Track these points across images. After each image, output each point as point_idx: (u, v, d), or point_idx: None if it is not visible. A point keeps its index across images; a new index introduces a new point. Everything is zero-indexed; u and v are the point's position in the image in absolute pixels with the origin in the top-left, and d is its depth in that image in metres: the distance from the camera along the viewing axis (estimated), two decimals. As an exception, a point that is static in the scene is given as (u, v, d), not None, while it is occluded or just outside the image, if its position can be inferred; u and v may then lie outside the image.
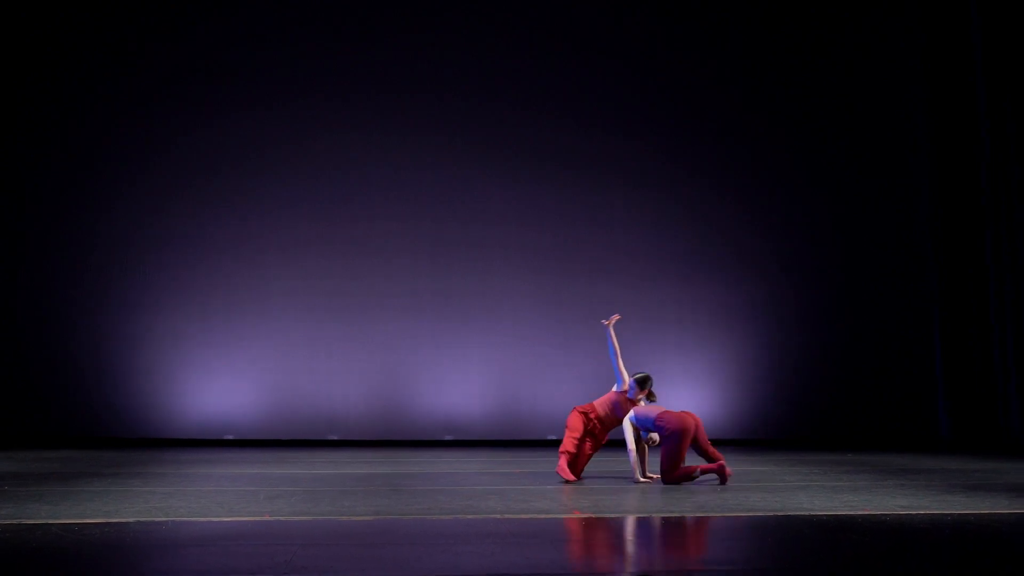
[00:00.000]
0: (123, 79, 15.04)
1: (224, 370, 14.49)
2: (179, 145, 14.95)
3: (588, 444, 7.76)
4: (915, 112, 15.81)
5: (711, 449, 7.46)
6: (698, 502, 5.93)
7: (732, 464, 8.65)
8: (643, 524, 5.04)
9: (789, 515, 5.24)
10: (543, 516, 5.19)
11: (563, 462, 7.58)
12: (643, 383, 7.80)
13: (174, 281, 14.65)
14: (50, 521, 4.86)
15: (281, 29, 15.30)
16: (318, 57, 15.24)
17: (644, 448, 7.75)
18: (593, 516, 5.22)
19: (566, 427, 7.75)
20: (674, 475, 7.30)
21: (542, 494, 6.38)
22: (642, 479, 7.56)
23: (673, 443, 7.29)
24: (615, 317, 8.23)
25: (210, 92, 15.05)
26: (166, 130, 14.95)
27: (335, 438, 14.43)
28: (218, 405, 14.38)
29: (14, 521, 4.85)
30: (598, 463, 9.53)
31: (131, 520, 4.92)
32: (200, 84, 15.07)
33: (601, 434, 7.84)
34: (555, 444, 14.05)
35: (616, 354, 8.03)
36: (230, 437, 14.28)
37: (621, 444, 7.87)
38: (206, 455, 11.23)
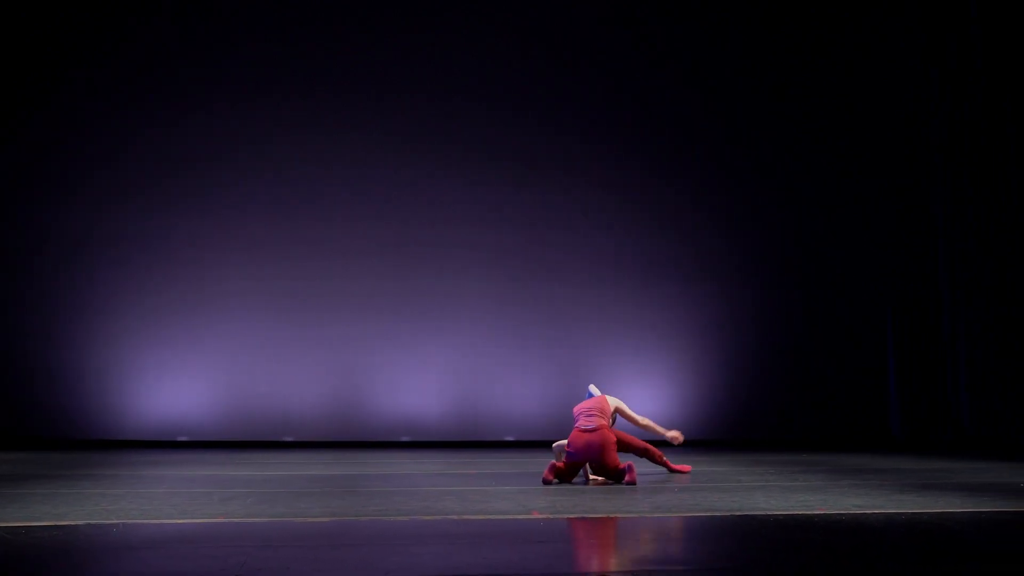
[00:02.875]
0: (78, 75, 14.78)
1: (178, 370, 14.29)
2: (134, 143, 14.73)
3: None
4: (875, 120, 16.01)
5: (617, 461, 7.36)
6: (656, 502, 5.94)
7: (689, 464, 8.70)
8: (600, 524, 5.04)
9: (746, 515, 5.26)
10: (501, 517, 5.17)
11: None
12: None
13: (127, 280, 14.42)
14: (-4, 524, 4.74)
15: (241, 28, 15.13)
16: (277, 56, 15.09)
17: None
18: (551, 517, 5.20)
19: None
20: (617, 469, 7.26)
21: (500, 495, 6.36)
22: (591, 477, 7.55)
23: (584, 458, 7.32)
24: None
25: (166, 90, 14.85)
26: (120, 127, 14.72)
27: (291, 439, 14.30)
28: (172, 406, 14.18)
29: (-42, 524, 4.73)
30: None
31: (80, 523, 4.81)
32: (156, 81, 14.86)
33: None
34: (513, 445, 14.06)
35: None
36: (184, 438, 14.08)
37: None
38: (159, 456, 11.06)
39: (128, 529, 4.66)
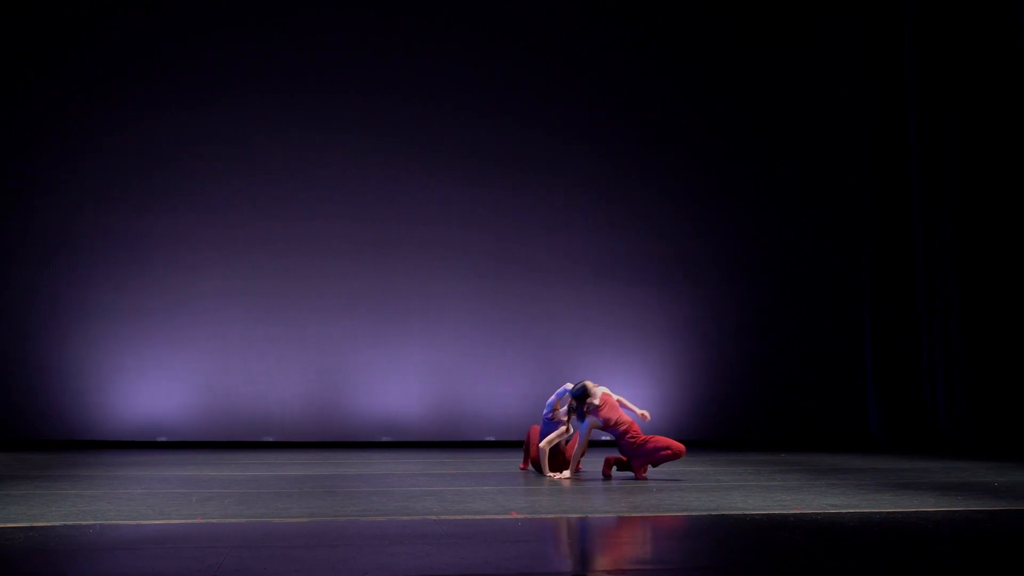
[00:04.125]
0: (53, 75, 14.68)
1: (157, 371, 14.22)
2: (112, 142, 14.64)
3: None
4: (853, 125, 16.12)
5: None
6: (633, 502, 5.97)
7: (667, 464, 8.74)
8: (578, 524, 5.06)
9: (723, 514, 5.30)
10: (479, 517, 5.18)
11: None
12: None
13: (106, 280, 14.34)
14: (-29, 525, 4.71)
15: (216, 26, 15.07)
16: (255, 55, 15.04)
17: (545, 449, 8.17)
18: (529, 517, 5.22)
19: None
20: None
21: (479, 495, 6.37)
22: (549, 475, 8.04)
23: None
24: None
25: (146, 89, 14.77)
26: (98, 126, 14.63)
27: (271, 440, 14.25)
28: (151, 407, 14.11)
29: (-68, 526, 4.70)
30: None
31: (57, 524, 4.79)
32: (134, 80, 14.78)
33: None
34: (494, 446, 14.07)
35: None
36: (163, 439, 14.02)
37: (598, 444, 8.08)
38: (138, 457, 11.01)
39: (104, 530, 4.64)
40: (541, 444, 8.13)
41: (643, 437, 7.87)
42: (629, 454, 7.90)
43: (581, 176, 15.56)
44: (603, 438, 14.52)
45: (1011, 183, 13.22)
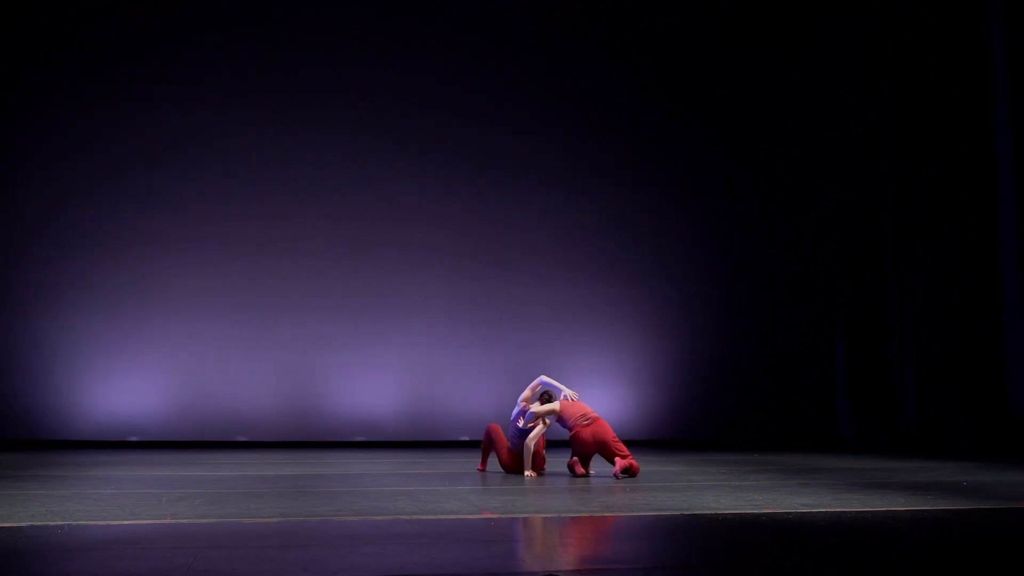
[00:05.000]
0: (24, 74, 14.51)
1: (129, 370, 14.10)
2: (83, 141, 14.51)
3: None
4: (831, 130, 16.25)
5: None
6: (606, 502, 5.98)
7: (640, 463, 8.76)
8: (551, 524, 5.06)
9: (696, 514, 5.32)
10: (452, 517, 5.18)
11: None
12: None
13: (79, 280, 14.21)
14: (-64, 526, 4.65)
15: (189, 25, 14.96)
16: (228, 54, 14.95)
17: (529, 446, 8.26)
18: (502, 516, 5.22)
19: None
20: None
21: (453, 495, 6.37)
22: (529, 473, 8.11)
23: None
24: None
25: (116, 88, 14.64)
26: (69, 126, 14.49)
27: (244, 440, 14.17)
28: (122, 406, 13.99)
29: None
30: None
31: (24, 524, 4.74)
32: (106, 79, 14.64)
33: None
34: (468, 445, 14.05)
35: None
36: (134, 439, 13.90)
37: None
38: (108, 457, 10.91)
39: (73, 531, 4.59)
40: (527, 441, 8.10)
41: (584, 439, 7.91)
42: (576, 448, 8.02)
43: (556, 176, 15.57)
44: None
45: (978, 186, 13.38)
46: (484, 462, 8.84)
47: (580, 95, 15.87)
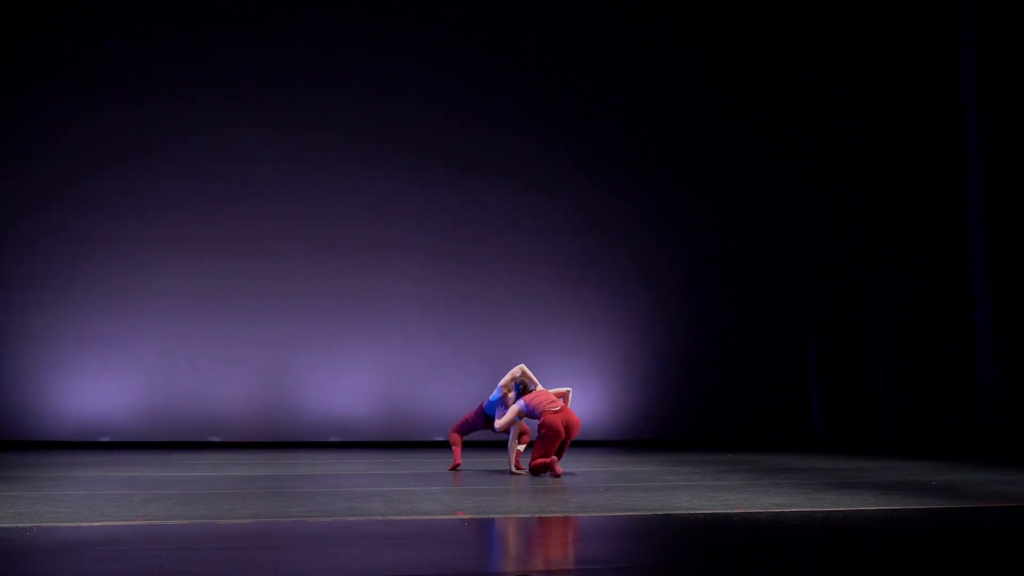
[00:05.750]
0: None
1: (100, 370, 13.96)
2: (55, 139, 14.34)
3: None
4: (802, 138, 16.36)
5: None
6: (579, 502, 6.00)
7: (614, 464, 8.80)
8: (524, 524, 5.07)
9: (669, 514, 5.35)
10: (425, 517, 5.17)
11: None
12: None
13: (52, 279, 14.05)
14: (-98, 528, 4.60)
15: (162, 25, 14.83)
16: (201, 53, 14.84)
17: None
18: (476, 517, 5.22)
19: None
20: (537, 463, 8.01)
21: (426, 495, 6.36)
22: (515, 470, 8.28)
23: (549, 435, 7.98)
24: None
25: (89, 86, 14.49)
26: (40, 123, 14.32)
27: (217, 440, 14.08)
28: (93, 406, 13.85)
29: None
30: (483, 462, 9.57)
31: (-8, 526, 4.69)
32: (79, 78, 14.49)
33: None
34: (443, 446, 14.03)
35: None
36: (106, 439, 13.78)
37: (502, 444, 8.18)
38: (79, 458, 10.80)
39: (42, 532, 4.55)
40: (498, 425, 8.20)
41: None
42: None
43: (531, 177, 15.57)
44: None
45: (949, 190, 13.52)
46: (459, 456, 8.90)
47: (556, 97, 15.87)
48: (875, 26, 14.92)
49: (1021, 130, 12.36)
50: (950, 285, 13.41)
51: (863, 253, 15.11)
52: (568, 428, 7.94)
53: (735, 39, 16.50)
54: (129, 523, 4.90)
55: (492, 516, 5.30)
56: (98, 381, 13.94)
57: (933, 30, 13.77)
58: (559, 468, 7.94)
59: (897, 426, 14.18)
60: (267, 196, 14.75)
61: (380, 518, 5.10)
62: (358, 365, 14.66)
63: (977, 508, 5.79)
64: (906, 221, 14.16)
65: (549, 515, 5.35)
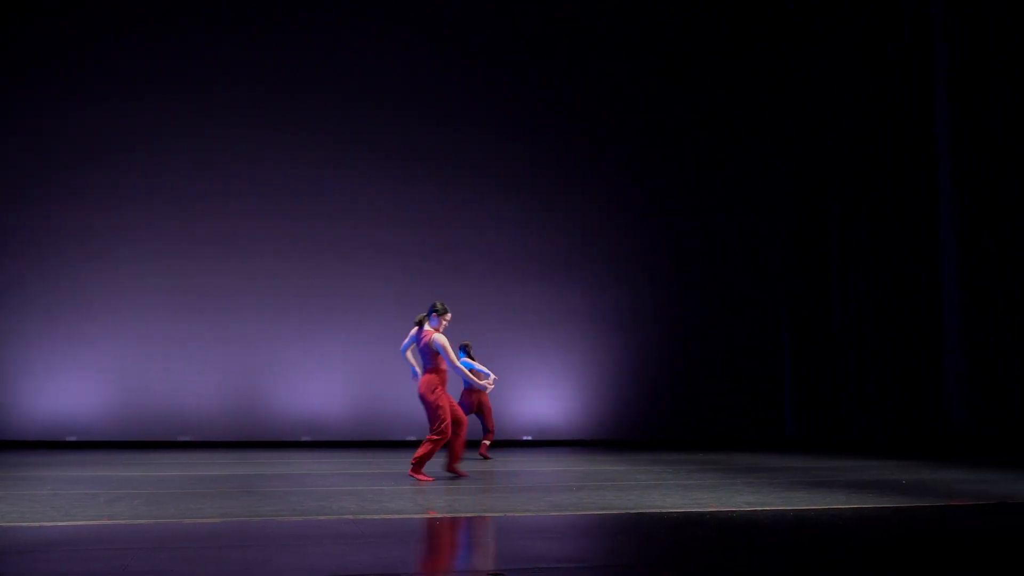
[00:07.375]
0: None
1: (68, 368, 13.78)
2: (24, 135, 14.15)
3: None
4: (776, 135, 16.44)
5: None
6: (553, 501, 5.97)
7: (587, 463, 8.78)
8: (497, 523, 5.04)
9: (642, 512, 5.34)
10: (397, 516, 5.13)
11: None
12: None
13: (14, 275, 13.85)
14: None
15: (138, 23, 14.67)
16: (177, 52, 14.69)
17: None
18: (447, 516, 5.19)
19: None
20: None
21: (398, 494, 6.31)
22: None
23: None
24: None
25: (61, 83, 14.31)
26: (6, 123, 14.12)
27: (187, 439, 13.94)
28: (61, 405, 13.67)
29: None
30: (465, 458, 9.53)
31: (-47, 526, 4.59)
32: (51, 74, 14.31)
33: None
34: (415, 445, 13.96)
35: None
36: (73, 439, 13.60)
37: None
38: (45, 458, 10.65)
39: (5, 532, 4.47)
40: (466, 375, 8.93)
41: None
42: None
43: (508, 176, 15.54)
44: (525, 438, 14.55)
45: (921, 193, 13.63)
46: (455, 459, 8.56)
47: (531, 99, 15.85)
48: (850, 30, 15.01)
49: (987, 134, 12.48)
50: (920, 288, 13.52)
51: (836, 256, 15.22)
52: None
53: (707, 37, 16.55)
54: (94, 523, 4.82)
55: (464, 515, 5.26)
56: (66, 381, 13.76)
57: (908, 41, 13.85)
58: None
59: (868, 425, 14.29)
60: (240, 197, 14.62)
61: (351, 517, 5.05)
62: (330, 364, 14.57)
63: (947, 506, 5.82)
64: (878, 221, 14.26)
65: (521, 514, 5.32)
